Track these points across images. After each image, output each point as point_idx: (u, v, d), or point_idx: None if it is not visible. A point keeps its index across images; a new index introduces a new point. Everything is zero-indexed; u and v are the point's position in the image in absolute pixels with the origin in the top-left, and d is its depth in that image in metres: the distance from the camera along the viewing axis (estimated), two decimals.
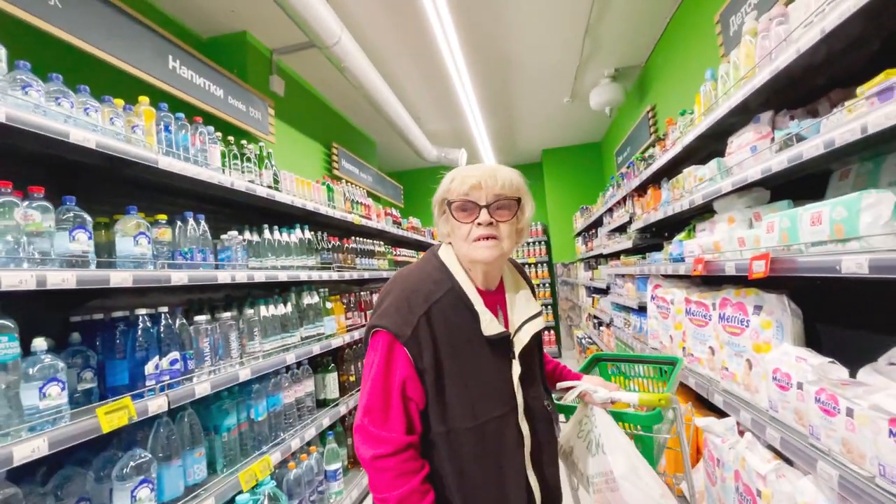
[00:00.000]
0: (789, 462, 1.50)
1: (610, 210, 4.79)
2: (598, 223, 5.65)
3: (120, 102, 1.76)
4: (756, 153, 1.73)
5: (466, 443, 1.03)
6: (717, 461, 1.80)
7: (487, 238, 1.06)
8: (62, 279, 1.33)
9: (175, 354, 1.75)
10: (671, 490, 2.53)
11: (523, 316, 1.14)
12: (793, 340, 1.59)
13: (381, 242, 4.46)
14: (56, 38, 2.06)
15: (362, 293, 3.76)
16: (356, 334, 3.35)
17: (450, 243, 1.17)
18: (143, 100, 1.86)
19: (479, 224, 1.06)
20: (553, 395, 1.34)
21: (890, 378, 1.17)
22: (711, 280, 2.36)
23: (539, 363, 1.25)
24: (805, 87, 1.66)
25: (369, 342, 1.08)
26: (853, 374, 1.29)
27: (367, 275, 3.75)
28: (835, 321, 1.70)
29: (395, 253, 4.78)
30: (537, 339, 1.20)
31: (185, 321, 1.88)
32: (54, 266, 1.38)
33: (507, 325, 1.14)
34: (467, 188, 1.07)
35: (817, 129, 1.39)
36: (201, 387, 1.81)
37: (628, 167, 4.11)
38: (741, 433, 1.76)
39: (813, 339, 1.69)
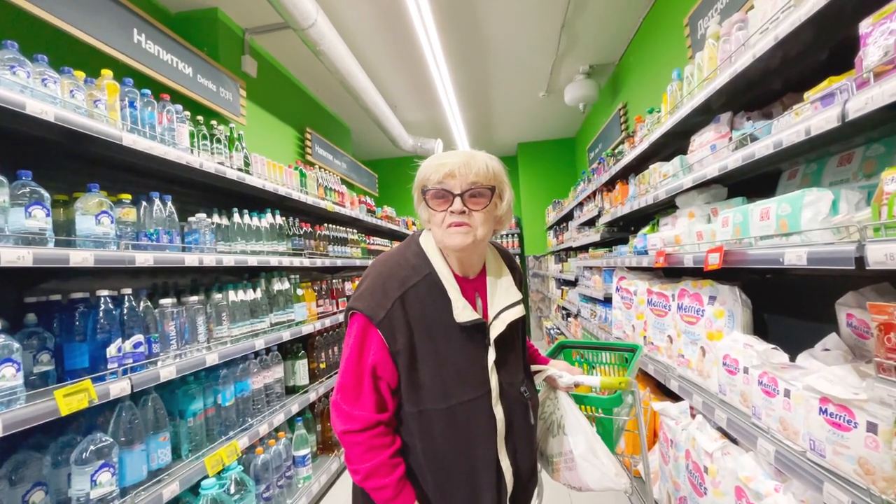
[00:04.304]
0: (734, 441, 1.62)
1: (580, 204, 4.92)
2: (569, 217, 5.79)
3: (81, 75, 1.68)
4: (715, 151, 1.83)
5: (437, 423, 1.06)
6: (671, 442, 1.91)
7: (460, 225, 1.08)
8: (18, 257, 1.28)
9: (139, 337, 1.72)
10: (627, 470, 2.66)
11: (502, 304, 1.16)
12: (742, 329, 1.70)
13: (355, 230, 4.43)
14: (6, 2, 1.94)
15: (334, 281, 3.74)
16: (327, 321, 3.34)
17: (430, 229, 1.19)
18: (107, 73, 1.79)
19: (451, 212, 1.08)
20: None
21: (823, 362, 1.28)
22: (672, 272, 2.48)
23: (521, 349, 1.27)
24: (761, 90, 1.76)
25: (348, 323, 1.10)
26: (793, 360, 1.40)
27: (339, 262, 3.73)
28: (780, 312, 1.83)
29: (368, 242, 4.76)
30: (518, 325, 1.22)
31: (149, 304, 1.84)
32: (8, 243, 1.32)
33: (485, 312, 1.16)
34: (441, 176, 1.08)
35: (769, 131, 1.48)
36: (166, 371, 1.78)
37: (599, 163, 4.23)
38: (693, 416, 1.87)
39: (760, 328, 1.81)
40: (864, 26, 1.04)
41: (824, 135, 1.11)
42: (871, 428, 1.01)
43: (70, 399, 1.39)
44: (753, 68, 1.48)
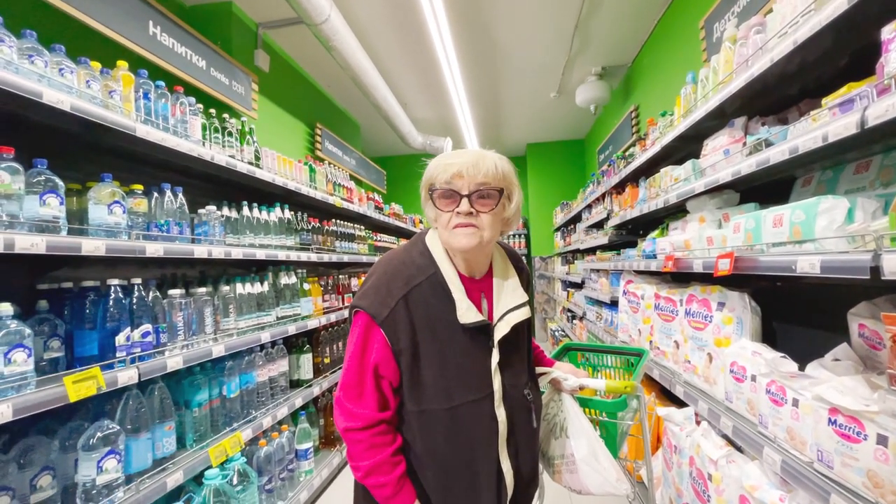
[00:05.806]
0: (739, 449, 1.60)
1: (589, 206, 4.89)
2: (576, 219, 5.76)
3: (97, 65, 1.70)
4: (728, 156, 1.81)
5: (439, 423, 1.05)
6: (675, 448, 1.90)
7: (466, 226, 1.06)
8: (31, 244, 1.30)
9: (147, 327, 1.73)
10: (630, 475, 2.65)
11: (507, 305, 1.14)
12: (751, 336, 1.68)
13: (362, 227, 4.44)
14: None
15: (341, 276, 3.75)
16: (333, 317, 3.35)
17: (437, 228, 1.18)
18: (122, 64, 1.80)
19: (458, 213, 1.06)
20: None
21: (833, 372, 1.26)
22: (681, 277, 2.46)
23: (526, 352, 1.25)
24: (777, 95, 1.74)
25: (352, 320, 1.10)
26: (802, 369, 1.38)
27: (346, 258, 3.74)
28: (790, 320, 1.81)
29: (375, 238, 4.77)
30: (524, 327, 1.20)
31: (158, 294, 1.86)
32: (23, 230, 1.34)
33: (490, 314, 1.14)
34: (449, 176, 1.06)
35: (785, 136, 1.46)
36: (173, 360, 1.79)
37: (609, 165, 4.20)
38: (698, 422, 1.86)
39: (769, 335, 1.79)
40: (887, 32, 1.02)
41: (842, 142, 1.10)
42: (882, 440, 0.99)
43: (79, 386, 1.41)
44: (770, 73, 1.46)
